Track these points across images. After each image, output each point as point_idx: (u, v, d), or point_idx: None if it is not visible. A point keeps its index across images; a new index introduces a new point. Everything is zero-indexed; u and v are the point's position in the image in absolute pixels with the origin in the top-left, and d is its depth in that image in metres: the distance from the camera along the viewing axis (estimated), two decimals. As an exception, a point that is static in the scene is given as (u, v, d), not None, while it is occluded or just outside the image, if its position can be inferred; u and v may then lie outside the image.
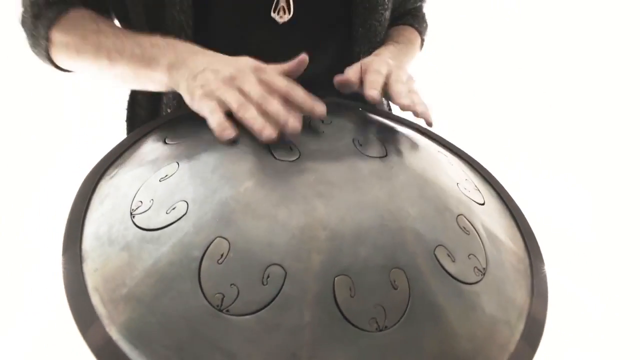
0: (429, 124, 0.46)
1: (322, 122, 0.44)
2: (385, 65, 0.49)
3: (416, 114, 0.44)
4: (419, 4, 0.77)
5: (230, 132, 0.38)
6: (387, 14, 0.64)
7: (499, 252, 0.39)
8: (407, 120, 0.57)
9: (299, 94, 0.41)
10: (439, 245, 0.34)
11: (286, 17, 0.56)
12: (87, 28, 0.50)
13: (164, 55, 0.46)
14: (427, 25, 0.76)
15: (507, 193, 0.50)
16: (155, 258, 0.32)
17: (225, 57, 0.45)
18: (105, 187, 0.40)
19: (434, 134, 0.55)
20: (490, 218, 0.43)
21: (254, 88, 0.40)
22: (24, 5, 0.54)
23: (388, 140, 0.43)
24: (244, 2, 0.56)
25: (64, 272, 0.33)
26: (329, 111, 0.47)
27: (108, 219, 0.36)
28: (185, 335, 0.29)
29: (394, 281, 0.31)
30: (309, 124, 0.43)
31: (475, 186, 0.47)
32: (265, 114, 0.39)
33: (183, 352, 0.29)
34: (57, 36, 0.51)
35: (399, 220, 0.34)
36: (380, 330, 0.30)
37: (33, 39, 0.53)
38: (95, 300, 0.31)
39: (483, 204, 0.44)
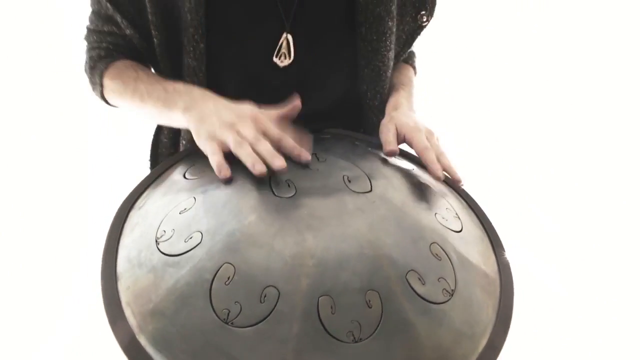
0: (458, 182, 0.55)
1: (318, 159, 0.51)
2: (422, 134, 0.57)
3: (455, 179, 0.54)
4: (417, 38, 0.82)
5: (226, 172, 0.46)
6: (391, 54, 0.70)
7: (469, 275, 0.45)
8: (401, 151, 0.64)
9: (288, 142, 0.49)
10: (411, 270, 0.40)
11: (287, 62, 0.64)
12: (128, 75, 0.63)
13: (181, 99, 0.56)
14: (414, 54, 0.84)
15: (488, 220, 0.56)
16: (175, 279, 0.39)
17: (229, 104, 0.53)
18: (135, 217, 0.48)
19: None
20: (465, 244, 0.49)
21: (249, 132, 0.49)
22: (85, 57, 0.68)
23: (375, 175, 0.50)
24: (250, 49, 0.64)
25: (102, 289, 0.41)
26: (325, 147, 0.54)
27: (137, 245, 0.44)
28: (199, 343, 0.36)
29: (369, 301, 0.37)
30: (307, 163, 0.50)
31: (456, 214, 0.52)
32: (257, 153, 0.47)
33: (197, 357, 0.36)
34: (107, 82, 0.64)
35: (376, 249, 0.40)
36: (356, 342, 0.36)
37: (92, 84, 0.67)
38: (128, 313, 0.39)
39: (460, 231, 0.50)
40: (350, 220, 0.42)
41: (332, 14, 0.66)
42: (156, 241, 0.43)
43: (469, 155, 2.03)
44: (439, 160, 0.54)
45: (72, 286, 1.42)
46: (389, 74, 0.72)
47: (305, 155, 0.49)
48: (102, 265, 0.43)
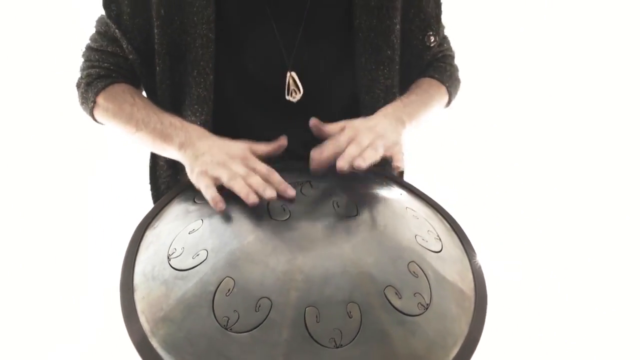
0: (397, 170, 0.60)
1: (312, 186, 0.57)
2: (353, 132, 0.59)
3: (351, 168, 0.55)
4: (440, 54, 0.82)
5: (221, 205, 0.51)
6: (390, 82, 0.73)
7: (445, 291, 0.50)
8: (392, 177, 0.70)
9: (276, 178, 0.54)
10: (389, 285, 0.46)
11: (298, 97, 0.69)
12: (125, 100, 0.66)
13: (177, 135, 0.60)
14: (453, 75, 0.80)
15: (468, 241, 0.62)
16: (183, 291, 0.45)
17: (222, 143, 0.58)
18: (150, 236, 0.54)
19: (415, 188, 0.67)
20: (443, 263, 0.54)
21: (240, 169, 0.54)
22: (81, 73, 0.71)
23: (362, 201, 0.56)
24: (260, 85, 0.70)
25: (121, 299, 0.47)
26: (322, 177, 0.61)
27: (152, 261, 0.50)
28: (203, 346, 0.42)
29: (350, 312, 0.43)
30: (301, 190, 0.56)
31: (437, 236, 0.58)
32: (249, 185, 0.52)
33: (201, 358, 0.42)
34: (101, 101, 0.67)
35: (357, 267, 0.46)
36: (337, 347, 0.42)
37: (83, 98, 0.70)
38: (142, 319, 0.45)
39: (439, 251, 0.55)
40: (336, 242, 0.48)
41: (333, 45, 0.72)
42: (168, 258, 0.49)
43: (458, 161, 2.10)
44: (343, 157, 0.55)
45: (90, 294, 1.51)
46: (388, 101, 0.75)
47: (291, 191, 0.53)
48: (121, 277, 0.49)
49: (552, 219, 1.96)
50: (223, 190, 0.53)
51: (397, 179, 0.70)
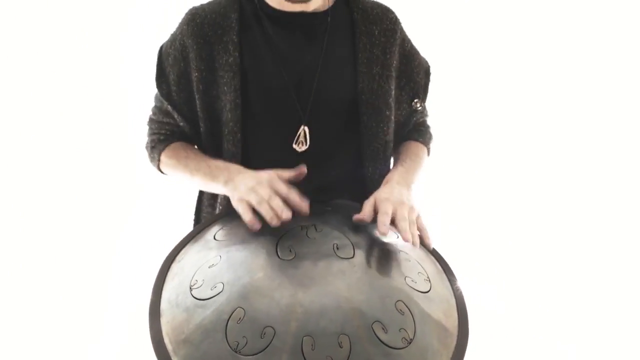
0: (428, 247, 0.69)
1: (316, 229, 0.66)
2: (391, 205, 0.68)
3: (415, 244, 0.64)
4: (421, 119, 0.98)
5: (257, 226, 0.64)
6: (389, 137, 0.86)
7: (428, 327, 0.57)
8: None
9: (295, 198, 0.66)
10: (376, 321, 0.53)
11: (304, 148, 0.81)
12: (180, 154, 0.84)
13: (222, 175, 0.75)
14: (431, 135, 0.97)
15: (456, 284, 0.68)
16: (202, 317, 0.54)
17: (253, 174, 0.71)
18: (175, 268, 0.63)
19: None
20: (430, 302, 0.61)
21: (266, 192, 0.66)
22: (147, 138, 0.89)
23: (359, 244, 0.64)
24: (274, 137, 0.82)
25: (149, 322, 0.56)
26: (324, 219, 0.69)
27: (176, 290, 0.59)
28: None
29: (341, 342, 0.51)
30: (307, 233, 0.65)
31: (427, 278, 0.65)
32: (271, 207, 0.64)
33: None
34: (164, 159, 0.85)
35: (350, 304, 0.54)
36: None
37: (151, 157, 0.89)
38: (167, 340, 0.53)
39: (427, 292, 0.62)
40: (334, 280, 0.56)
41: (340, 107, 0.83)
42: (190, 288, 0.58)
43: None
44: (403, 231, 0.64)
45: (117, 316, 1.62)
46: (387, 154, 0.88)
47: (305, 207, 0.66)
48: (150, 304, 0.58)
49: (543, 246, 2.01)
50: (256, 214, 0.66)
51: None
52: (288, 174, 0.70)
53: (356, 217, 0.69)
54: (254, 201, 0.65)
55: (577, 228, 2.09)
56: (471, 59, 2.19)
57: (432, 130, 1.00)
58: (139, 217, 2.03)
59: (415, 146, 0.93)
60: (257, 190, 0.66)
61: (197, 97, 0.80)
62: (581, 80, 2.20)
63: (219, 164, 0.77)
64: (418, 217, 0.70)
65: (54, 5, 1.96)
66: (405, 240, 0.63)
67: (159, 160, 0.86)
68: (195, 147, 0.88)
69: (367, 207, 0.70)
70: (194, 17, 0.80)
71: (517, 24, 2.16)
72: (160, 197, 1.99)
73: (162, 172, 0.89)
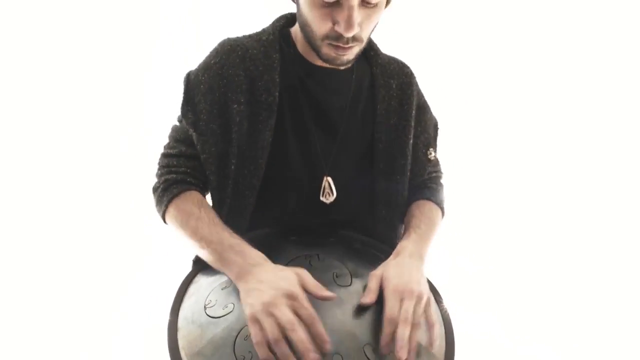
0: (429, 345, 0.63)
1: (319, 259, 0.73)
2: (399, 299, 0.63)
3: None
4: (434, 174, 0.98)
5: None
6: (401, 186, 0.87)
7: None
8: (388, 250, 0.84)
9: (318, 328, 0.56)
10: (367, 344, 0.60)
11: (331, 199, 0.82)
12: (192, 212, 0.74)
13: (235, 263, 0.65)
14: (442, 195, 0.94)
15: (447, 314, 0.74)
16: (213, 334, 0.61)
17: (273, 276, 0.61)
18: (192, 289, 0.71)
19: None
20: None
21: (285, 317, 0.55)
22: (158, 179, 0.83)
23: (357, 273, 0.71)
24: (299, 189, 0.83)
25: (168, 335, 0.64)
26: (327, 250, 0.76)
27: (192, 308, 0.67)
28: None
29: None
30: (310, 262, 0.72)
31: None
32: (292, 340, 0.54)
33: None
34: (172, 210, 0.78)
35: (344, 327, 0.61)
36: None
37: (157, 201, 0.82)
38: (182, 353, 0.61)
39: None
40: (331, 306, 0.63)
41: (358, 156, 0.86)
42: (205, 307, 0.65)
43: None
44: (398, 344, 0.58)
45: (137, 331, 1.70)
46: (400, 201, 0.88)
47: (327, 346, 0.56)
48: (170, 319, 0.66)
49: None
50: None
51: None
52: (313, 287, 0.61)
53: (363, 301, 0.64)
54: (269, 332, 0.55)
55: (569, 249, 2.10)
56: (470, 59, 2.22)
57: (445, 190, 0.98)
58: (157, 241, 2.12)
59: (429, 209, 0.89)
60: (275, 313, 0.56)
61: (234, 129, 0.78)
62: (580, 81, 2.22)
63: (234, 243, 0.68)
64: (427, 307, 0.65)
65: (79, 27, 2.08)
66: (397, 358, 0.58)
67: (166, 207, 0.78)
68: (209, 204, 0.81)
69: (374, 285, 0.65)
70: (234, 49, 0.80)
71: (517, 24, 2.20)
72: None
73: (165, 222, 0.81)
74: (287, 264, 0.71)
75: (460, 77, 2.21)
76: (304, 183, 0.83)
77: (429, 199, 0.92)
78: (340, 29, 0.70)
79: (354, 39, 0.72)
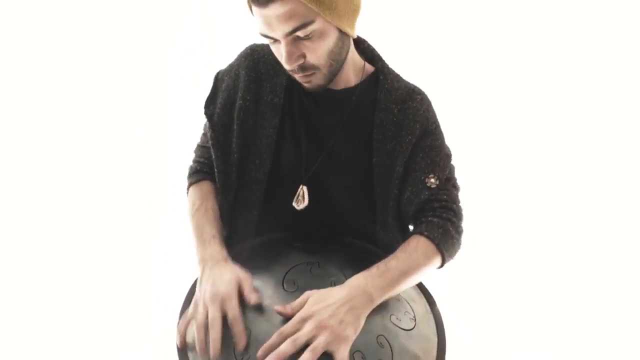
0: None
1: (319, 266, 0.77)
2: (292, 325, 0.63)
3: None
4: (436, 204, 0.86)
5: (179, 341, 0.67)
6: (391, 212, 0.87)
7: None
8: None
9: (237, 327, 0.63)
10: (357, 350, 0.64)
11: (302, 205, 0.86)
12: (194, 202, 0.88)
13: (205, 251, 0.77)
14: (445, 231, 0.81)
15: (441, 323, 0.77)
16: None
17: (220, 278, 0.70)
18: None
19: None
20: (410, 339, 0.70)
21: (212, 313, 0.65)
22: (191, 163, 0.97)
23: None
24: (278, 195, 0.87)
25: (177, 336, 0.69)
26: (327, 258, 0.80)
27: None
28: None
29: None
30: (310, 269, 0.76)
31: (413, 317, 0.75)
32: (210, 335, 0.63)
33: None
34: (190, 193, 0.93)
35: None
36: None
37: (187, 179, 0.96)
38: (190, 354, 0.66)
39: (411, 329, 0.72)
40: None
41: (354, 175, 0.88)
42: None
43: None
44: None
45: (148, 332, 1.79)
46: (397, 224, 0.89)
47: (240, 344, 0.62)
48: (179, 321, 0.72)
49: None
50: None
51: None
52: (249, 289, 0.69)
53: (275, 308, 0.66)
54: (198, 319, 0.66)
55: (563, 263, 2.08)
56: (469, 59, 2.22)
57: (461, 237, 0.87)
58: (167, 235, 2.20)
59: (414, 243, 0.80)
60: (209, 307, 0.66)
61: (236, 123, 0.85)
62: (579, 82, 2.20)
63: (208, 235, 0.80)
64: (333, 345, 0.61)
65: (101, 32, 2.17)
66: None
67: (187, 187, 0.94)
68: (214, 194, 0.91)
69: (298, 300, 0.67)
70: (252, 53, 0.89)
71: (517, 25, 2.19)
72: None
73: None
74: (289, 270, 0.76)
75: (458, 77, 2.21)
76: (287, 185, 0.87)
77: (421, 233, 0.81)
78: (283, 63, 0.76)
79: (306, 68, 0.76)
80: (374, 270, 0.72)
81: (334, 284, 0.74)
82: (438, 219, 0.84)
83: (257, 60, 0.88)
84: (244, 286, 0.69)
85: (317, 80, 0.80)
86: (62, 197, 2.24)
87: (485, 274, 2.06)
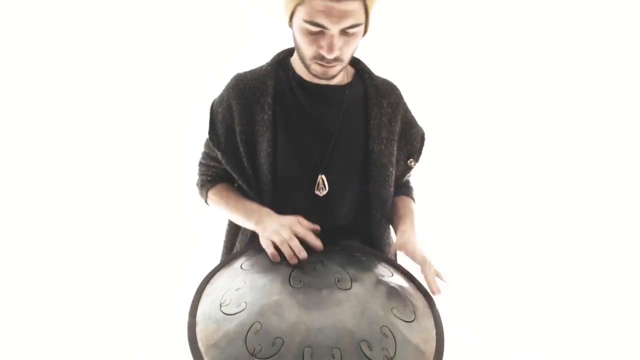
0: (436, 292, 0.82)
1: (322, 265, 0.81)
2: (426, 262, 0.85)
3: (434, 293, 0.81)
4: (409, 177, 1.19)
5: (278, 258, 0.83)
6: (391, 189, 1.04)
7: (407, 349, 0.70)
8: (391, 261, 0.92)
9: (311, 237, 0.85)
10: (363, 340, 0.67)
11: (324, 192, 0.98)
12: (223, 194, 1.05)
13: (254, 216, 0.95)
14: (414, 192, 1.19)
15: (439, 317, 0.81)
16: (227, 328, 0.69)
17: (279, 217, 0.90)
18: (209, 289, 0.80)
19: (409, 273, 0.89)
20: (411, 330, 0.74)
21: (287, 234, 0.84)
22: (198, 178, 1.12)
23: (356, 278, 0.79)
24: (298, 182, 0.98)
25: (188, 329, 0.72)
26: (330, 257, 0.84)
27: (209, 306, 0.75)
28: None
29: (334, 354, 0.65)
30: (315, 267, 0.80)
31: (413, 310, 0.79)
32: (291, 247, 0.82)
33: None
34: (211, 196, 1.08)
35: (343, 325, 0.68)
36: None
37: (200, 194, 1.11)
38: (200, 345, 0.69)
39: (412, 321, 0.76)
40: (332, 306, 0.71)
41: (352, 162, 1.00)
42: (220, 305, 0.74)
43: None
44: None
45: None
46: (389, 202, 1.05)
47: (319, 245, 0.85)
48: (189, 316, 0.74)
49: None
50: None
51: (396, 264, 0.92)
52: (307, 222, 0.89)
53: (433, 290, 0.83)
54: (277, 241, 0.84)
55: (560, 260, 2.13)
56: (467, 58, 2.28)
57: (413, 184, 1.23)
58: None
59: (409, 202, 1.13)
60: (280, 232, 0.85)
61: (240, 145, 0.98)
62: (578, 83, 2.26)
63: (253, 206, 0.97)
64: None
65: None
66: (434, 292, 0.82)
67: (206, 197, 1.09)
68: (236, 187, 1.08)
69: (430, 276, 0.84)
70: (237, 83, 1.00)
71: (516, 25, 2.26)
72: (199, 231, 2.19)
73: (208, 204, 1.11)
74: (295, 268, 0.80)
75: (456, 78, 2.26)
76: (302, 180, 0.98)
77: (407, 195, 1.15)
78: (323, 51, 0.84)
79: (336, 59, 0.87)
80: (409, 225, 1.00)
81: (338, 280, 0.77)
82: (410, 184, 1.18)
83: (242, 88, 0.99)
84: (301, 221, 0.88)
85: (335, 71, 0.90)
86: (73, 197, 2.25)
87: (485, 274, 2.10)
